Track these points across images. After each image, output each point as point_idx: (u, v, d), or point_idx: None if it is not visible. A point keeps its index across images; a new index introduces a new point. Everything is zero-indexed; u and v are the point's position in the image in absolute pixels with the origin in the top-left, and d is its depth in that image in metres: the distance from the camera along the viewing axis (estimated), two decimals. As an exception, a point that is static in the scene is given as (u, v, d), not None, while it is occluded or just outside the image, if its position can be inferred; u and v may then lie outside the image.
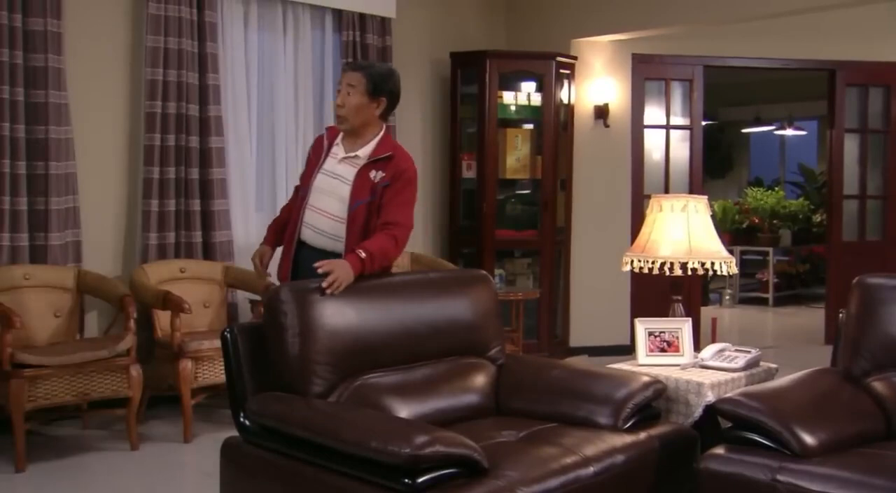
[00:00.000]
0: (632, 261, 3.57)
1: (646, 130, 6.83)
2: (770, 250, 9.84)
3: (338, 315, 2.95)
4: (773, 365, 3.52)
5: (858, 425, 2.91)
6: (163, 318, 4.57)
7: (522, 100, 6.30)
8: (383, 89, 3.28)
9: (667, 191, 6.84)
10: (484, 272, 3.53)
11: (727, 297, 9.71)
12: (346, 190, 3.23)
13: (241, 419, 2.87)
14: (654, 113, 6.87)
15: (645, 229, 3.56)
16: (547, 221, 6.28)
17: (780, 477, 2.62)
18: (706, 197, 3.64)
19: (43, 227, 4.53)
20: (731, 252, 10.75)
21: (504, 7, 6.90)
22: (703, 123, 10.63)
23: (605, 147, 6.64)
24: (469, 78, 6.25)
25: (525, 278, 6.52)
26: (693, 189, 6.90)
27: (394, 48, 5.99)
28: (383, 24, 5.93)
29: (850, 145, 7.27)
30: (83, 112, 4.71)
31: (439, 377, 3.15)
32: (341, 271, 2.97)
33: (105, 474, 3.96)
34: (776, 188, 10.86)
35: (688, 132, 6.94)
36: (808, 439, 2.71)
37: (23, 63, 4.45)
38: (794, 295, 9.87)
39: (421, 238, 6.40)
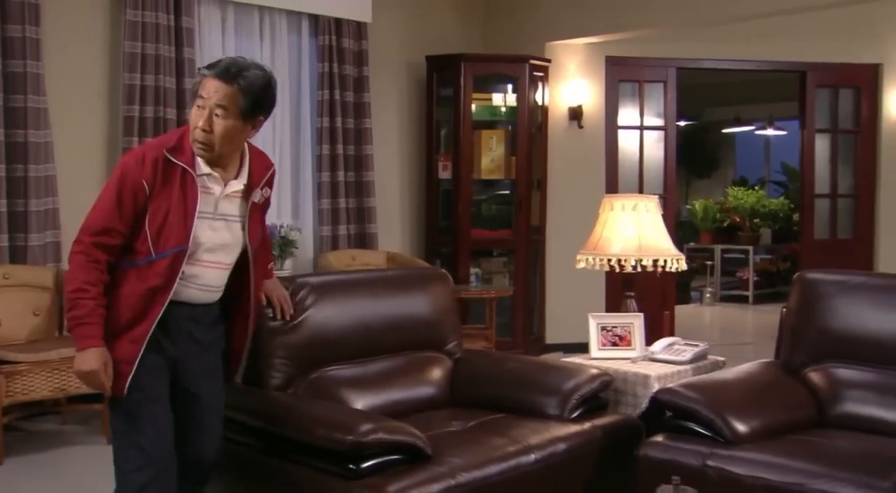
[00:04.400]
0: (586, 259, 3.70)
1: (620, 131, 6.97)
2: (750, 248, 9.99)
3: (296, 311, 3.08)
4: (721, 358, 3.66)
5: (791, 413, 3.05)
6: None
7: (497, 102, 6.44)
8: (262, 107, 2.40)
9: (641, 191, 6.98)
10: (442, 271, 3.67)
11: (708, 295, 9.85)
12: (238, 231, 2.49)
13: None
14: (629, 114, 7.01)
15: (597, 228, 3.70)
16: (521, 221, 6.42)
17: (709, 462, 2.76)
18: (657, 197, 3.77)
19: (23, 228, 4.66)
20: (711, 251, 10.87)
21: (480, 10, 7.03)
22: (684, 123, 10.79)
23: (579, 148, 6.78)
24: (444, 81, 6.39)
25: (502, 277, 6.65)
26: (667, 188, 7.06)
27: (370, 52, 6.13)
28: (359, 28, 6.07)
29: (822, 145, 7.42)
30: (62, 116, 4.85)
31: (396, 371, 3.29)
32: (280, 291, 2.94)
33: (80, 465, 4.10)
34: (756, 188, 11.01)
35: (662, 133, 7.08)
36: (740, 426, 2.85)
37: (2, 69, 4.58)
38: (775, 293, 10.01)
39: (400, 238, 6.55)
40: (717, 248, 10.23)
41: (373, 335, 3.27)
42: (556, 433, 2.94)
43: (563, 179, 6.75)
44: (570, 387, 3.17)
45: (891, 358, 3.12)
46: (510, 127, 6.48)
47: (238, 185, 2.47)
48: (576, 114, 6.72)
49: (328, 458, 2.55)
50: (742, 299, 9.91)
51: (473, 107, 6.32)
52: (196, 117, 2.36)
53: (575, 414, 3.11)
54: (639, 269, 3.66)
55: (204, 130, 2.35)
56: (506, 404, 3.21)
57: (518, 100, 6.36)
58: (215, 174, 2.41)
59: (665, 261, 3.61)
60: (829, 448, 2.79)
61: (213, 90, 2.33)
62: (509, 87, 6.44)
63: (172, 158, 2.36)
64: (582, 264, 3.70)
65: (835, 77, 7.29)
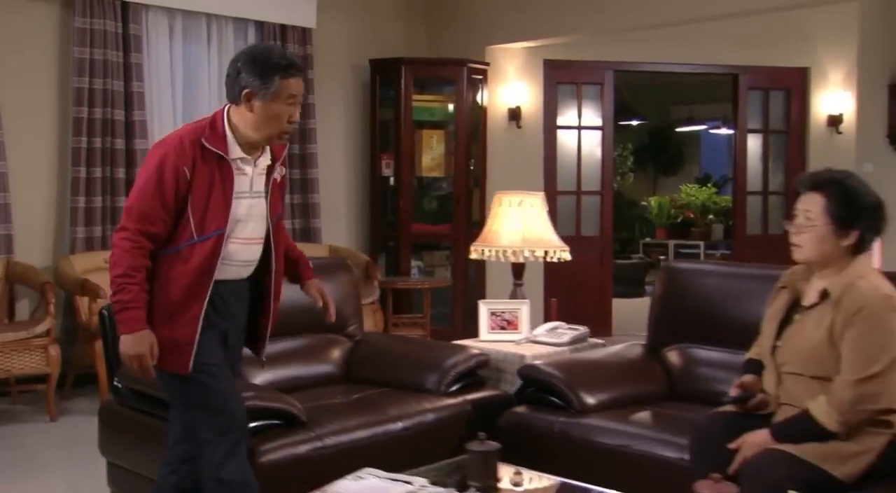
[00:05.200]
0: (478, 250, 4.05)
1: (560, 131, 7.32)
2: (702, 243, 10.35)
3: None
4: (601, 341, 4.02)
5: (642, 387, 3.41)
6: (84, 304, 5.04)
7: (437, 103, 6.79)
8: None
9: (579, 188, 7.35)
10: (346, 261, 4.03)
11: (660, 288, 10.19)
12: (264, 206, 2.66)
13: (115, 384, 3.36)
14: (570, 114, 7.36)
15: (489, 222, 4.05)
16: (461, 216, 6.77)
17: (555, 428, 3.13)
18: (542, 194, 4.12)
19: (-24, 222, 5.02)
20: (666, 246, 11.19)
21: (423, 16, 7.37)
22: (637, 122, 11.11)
23: (518, 147, 7.13)
24: (387, 83, 6.73)
25: (443, 269, 7.01)
26: (604, 185, 7.42)
27: (315, 56, 6.47)
28: (304, 34, 6.41)
29: (755, 145, 7.77)
30: (14, 118, 5.19)
31: (297, 350, 3.64)
32: (327, 292, 2.96)
33: (22, 440, 4.46)
34: (710, 185, 11.35)
35: (599, 132, 7.42)
36: (589, 399, 3.22)
37: (-45, 74, 4.94)
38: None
39: (346, 232, 6.90)
40: (671, 243, 10.59)
41: (279, 317, 3.62)
42: (427, 405, 3.30)
43: (502, 177, 7.08)
44: (449, 365, 3.52)
45: (737, 339, 3.47)
46: (450, 127, 6.83)
47: (266, 161, 2.64)
48: (515, 114, 7.07)
49: (212, 423, 2.90)
50: (693, 293, 10.24)
51: (414, 107, 6.67)
52: (293, 112, 2.55)
53: (452, 389, 3.47)
54: (531, 259, 4.00)
55: (292, 123, 2.57)
56: (392, 380, 3.56)
57: (456, 101, 6.72)
58: (246, 156, 2.58)
59: (546, 252, 3.94)
60: (664, 416, 3.15)
61: (300, 88, 2.57)
62: (448, 89, 6.79)
63: (208, 145, 2.51)
64: (474, 255, 4.05)
65: (766, 80, 7.64)
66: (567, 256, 4.05)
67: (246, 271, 2.67)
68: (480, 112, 6.93)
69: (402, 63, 6.61)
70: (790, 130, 7.70)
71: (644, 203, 11.50)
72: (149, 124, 5.65)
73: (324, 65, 6.57)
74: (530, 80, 7.15)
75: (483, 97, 6.93)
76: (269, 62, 2.51)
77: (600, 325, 6.80)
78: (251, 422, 2.86)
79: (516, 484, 2.60)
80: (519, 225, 3.95)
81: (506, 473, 2.63)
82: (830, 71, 7.61)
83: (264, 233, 2.67)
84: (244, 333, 2.77)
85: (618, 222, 9.31)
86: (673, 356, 3.55)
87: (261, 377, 3.44)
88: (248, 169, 2.60)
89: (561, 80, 7.25)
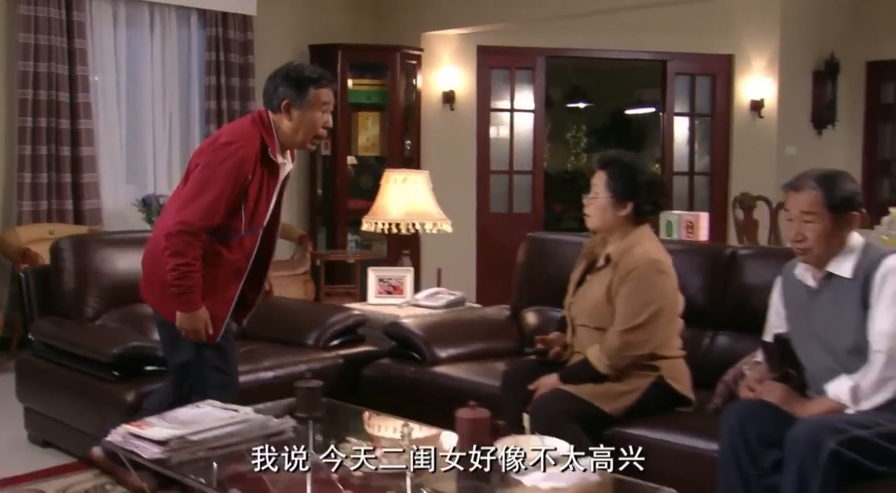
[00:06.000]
0: (369, 223, 4.48)
1: (494, 114, 7.74)
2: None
3: (107, 260, 3.89)
4: (477, 305, 4.46)
5: (495, 344, 3.86)
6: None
7: (373, 87, 7.21)
8: None
9: (511, 168, 7.79)
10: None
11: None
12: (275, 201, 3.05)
13: (29, 337, 3.82)
14: (505, 98, 7.77)
15: (378, 197, 4.48)
16: (395, 194, 7.20)
17: (408, 376, 3.60)
18: (426, 172, 4.55)
19: (-73, 195, 5.45)
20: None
21: (363, 3, 7.74)
22: (584, 105, 11.48)
23: (451, 128, 7.55)
24: (325, 68, 7.08)
25: (380, 244, 7.43)
26: (536, 165, 7.85)
27: (256, 43, 6.87)
28: (245, 20, 6.81)
29: (682, 128, 8.19)
30: (-37, 99, 5.62)
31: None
32: None
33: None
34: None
35: (532, 115, 7.84)
36: (441, 352, 3.68)
37: None
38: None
39: (287, 208, 7.29)
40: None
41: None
42: (301, 358, 3.75)
43: (436, 156, 7.51)
44: (329, 323, 3.98)
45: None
46: (386, 109, 7.25)
47: (290, 165, 3.05)
48: (449, 98, 7.48)
49: (101, 368, 3.36)
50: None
51: (351, 91, 7.09)
52: (327, 119, 2.94)
53: (330, 345, 3.93)
54: (413, 231, 4.45)
55: (327, 128, 2.96)
56: (280, 337, 4.01)
57: (390, 85, 7.13)
58: (284, 160, 2.97)
59: (425, 224, 4.37)
60: (494, 366, 3.56)
61: (331, 96, 2.95)
62: (385, 74, 7.20)
63: (271, 156, 2.88)
64: (366, 227, 4.49)
65: (692, 66, 8.04)
66: (448, 228, 4.49)
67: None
68: (415, 95, 7.34)
69: (339, 49, 7.01)
70: (715, 114, 8.11)
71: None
72: (93, 106, 6.06)
73: (265, 51, 6.96)
74: (464, 65, 7.56)
75: (417, 81, 7.34)
76: (303, 76, 2.91)
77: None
78: (135, 367, 3.33)
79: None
80: (404, 200, 4.38)
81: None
82: (754, 58, 8.01)
83: (273, 224, 3.07)
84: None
85: (575, 201, 9.71)
86: (530, 317, 4.00)
87: (161, 333, 3.91)
88: (282, 172, 2.98)
89: (494, 65, 7.66)
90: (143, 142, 6.48)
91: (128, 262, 3.92)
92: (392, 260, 7.21)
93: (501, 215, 7.75)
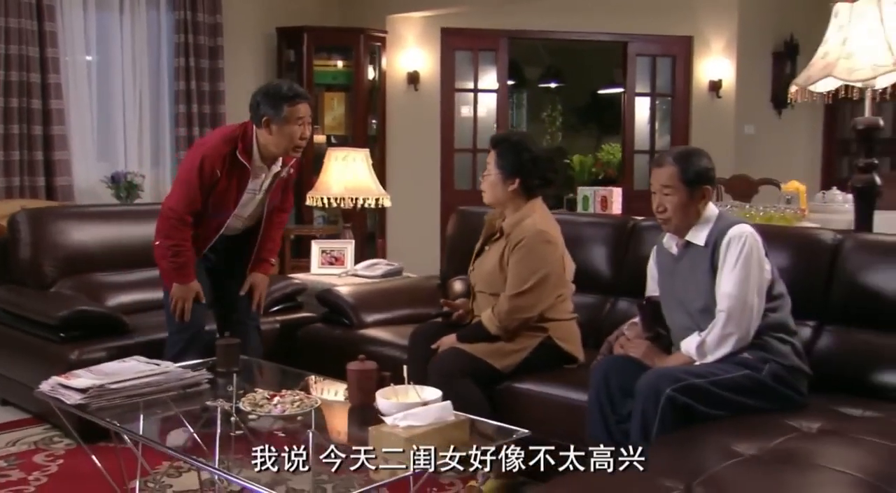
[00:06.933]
0: (319, 198, 4.76)
1: (458, 94, 7.99)
2: (620, 199, 11.02)
3: (62, 232, 4.18)
4: (414, 275, 4.75)
5: (421, 310, 4.13)
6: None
7: (338, 68, 7.47)
8: None
9: (475, 146, 8.05)
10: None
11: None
12: (264, 197, 3.54)
13: (-12, 304, 4.12)
14: (468, 79, 8.02)
15: (322, 174, 4.76)
16: (360, 171, 7.47)
17: (335, 337, 3.89)
18: (367, 150, 4.82)
19: None
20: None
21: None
22: (555, 84, 11.71)
23: (416, 108, 7.81)
24: (292, 49, 7.40)
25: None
26: (499, 144, 8.09)
27: (225, 24, 7.12)
28: (214, 3, 7.05)
29: (643, 107, 8.44)
30: (-63, 80, 5.88)
31: (146, 280, 4.37)
32: (263, 289, 3.70)
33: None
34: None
35: (494, 95, 8.09)
36: (366, 317, 3.98)
37: None
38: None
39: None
40: (593, 199, 11.26)
41: (130, 253, 4.36)
42: (240, 322, 4.04)
43: (402, 135, 7.78)
44: (270, 291, 4.26)
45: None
46: (349, 90, 7.51)
47: (278, 167, 3.50)
48: (413, 78, 7.74)
49: (50, 330, 3.67)
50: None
51: (318, 72, 7.34)
52: (303, 131, 3.37)
53: (270, 310, 4.22)
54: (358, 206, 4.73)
55: (304, 139, 3.39)
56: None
57: (354, 66, 7.39)
58: (264, 165, 3.43)
59: (365, 199, 4.65)
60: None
61: (307, 110, 3.37)
62: (346, 55, 7.46)
63: (239, 158, 3.36)
64: (310, 202, 4.77)
65: (652, 47, 8.28)
66: (388, 203, 4.76)
67: (237, 230, 3.61)
68: (380, 76, 7.60)
69: (305, 31, 7.27)
70: (675, 95, 8.36)
71: (567, 161, 12.16)
72: (63, 87, 6.33)
73: (234, 32, 7.22)
74: (428, 47, 7.81)
75: (382, 62, 7.59)
76: (279, 95, 3.32)
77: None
78: (81, 329, 3.63)
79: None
80: (345, 176, 4.66)
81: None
82: (713, 39, 8.25)
83: (260, 213, 3.58)
84: (239, 264, 3.65)
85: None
86: (457, 285, 4.27)
87: (113, 300, 4.20)
88: (263, 174, 3.46)
89: (458, 46, 7.90)
90: (113, 121, 6.74)
91: (82, 233, 4.24)
92: (360, 235, 7.52)
93: (465, 192, 8.00)
